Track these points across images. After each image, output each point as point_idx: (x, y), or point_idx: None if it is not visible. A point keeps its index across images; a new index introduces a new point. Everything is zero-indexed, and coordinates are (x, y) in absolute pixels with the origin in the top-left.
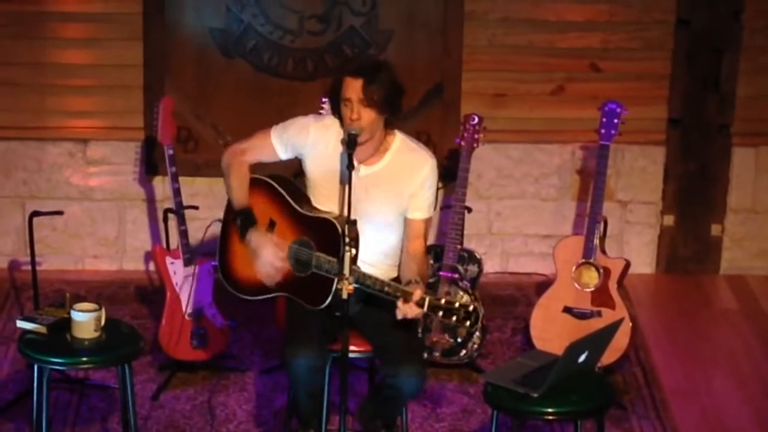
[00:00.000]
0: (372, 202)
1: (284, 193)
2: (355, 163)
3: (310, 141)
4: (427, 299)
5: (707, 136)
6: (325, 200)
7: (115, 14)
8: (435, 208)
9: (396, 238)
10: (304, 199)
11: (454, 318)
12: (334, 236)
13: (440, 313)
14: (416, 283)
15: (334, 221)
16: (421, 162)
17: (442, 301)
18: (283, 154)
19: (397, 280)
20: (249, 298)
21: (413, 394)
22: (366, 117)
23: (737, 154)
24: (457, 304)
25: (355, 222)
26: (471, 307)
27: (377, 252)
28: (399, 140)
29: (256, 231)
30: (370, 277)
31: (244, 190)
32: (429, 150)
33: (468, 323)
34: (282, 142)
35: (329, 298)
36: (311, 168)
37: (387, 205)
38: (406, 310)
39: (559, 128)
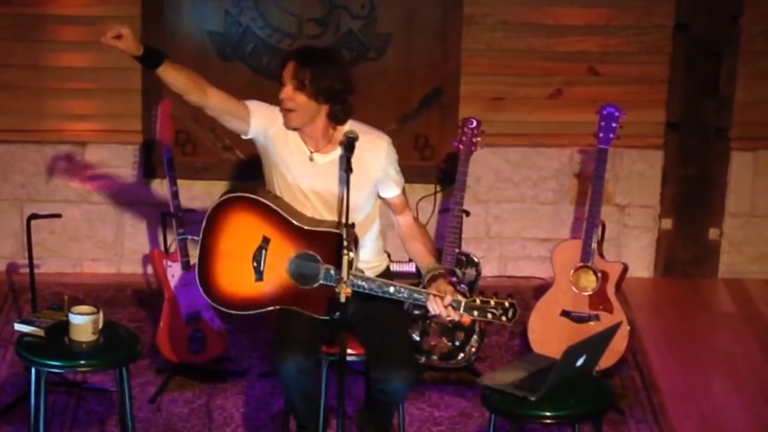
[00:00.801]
0: (334, 193)
1: (276, 208)
2: (309, 151)
3: (278, 122)
4: (463, 302)
5: (706, 140)
6: (295, 201)
7: (114, 17)
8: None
9: (370, 222)
10: (295, 211)
11: (490, 315)
12: (340, 248)
13: (475, 313)
14: (439, 275)
15: (338, 233)
16: (378, 142)
17: (477, 301)
18: (253, 122)
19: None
20: (242, 313)
21: (401, 400)
22: (297, 100)
23: (735, 158)
24: (492, 302)
25: (353, 225)
26: (507, 303)
27: (365, 245)
28: (349, 126)
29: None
30: (391, 284)
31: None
32: (380, 131)
33: (505, 318)
34: (256, 111)
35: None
36: (278, 154)
37: (354, 190)
38: (440, 310)
39: (557, 132)
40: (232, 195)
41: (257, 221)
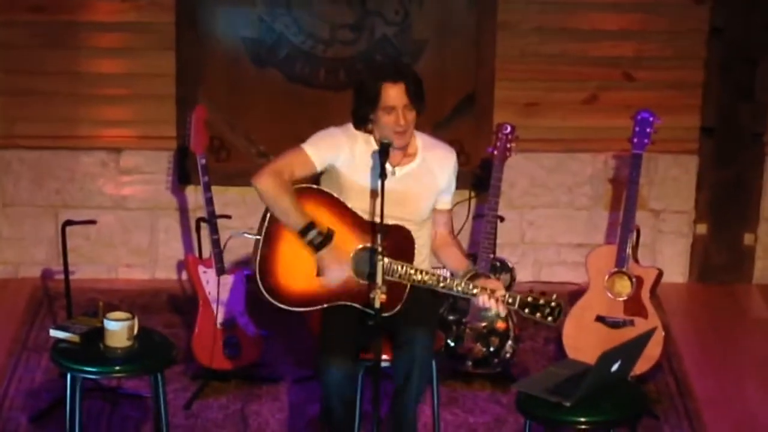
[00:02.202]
0: (412, 202)
1: (342, 200)
2: (390, 167)
3: (344, 149)
4: (518, 297)
5: (740, 144)
6: (362, 206)
7: (148, 24)
8: None
9: (428, 232)
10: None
11: (539, 315)
12: (407, 243)
13: (526, 310)
14: (480, 273)
15: (405, 227)
16: (449, 155)
17: (529, 298)
18: (320, 166)
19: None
20: (295, 309)
21: (422, 349)
22: (410, 119)
23: None
24: (542, 301)
25: (386, 230)
26: (554, 303)
27: (420, 246)
28: (420, 138)
29: (331, 249)
30: (444, 278)
31: (301, 206)
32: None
33: (551, 318)
34: (318, 154)
35: (401, 303)
36: (344, 176)
37: (425, 201)
38: (491, 303)
39: (592, 137)
40: (296, 186)
41: (321, 213)
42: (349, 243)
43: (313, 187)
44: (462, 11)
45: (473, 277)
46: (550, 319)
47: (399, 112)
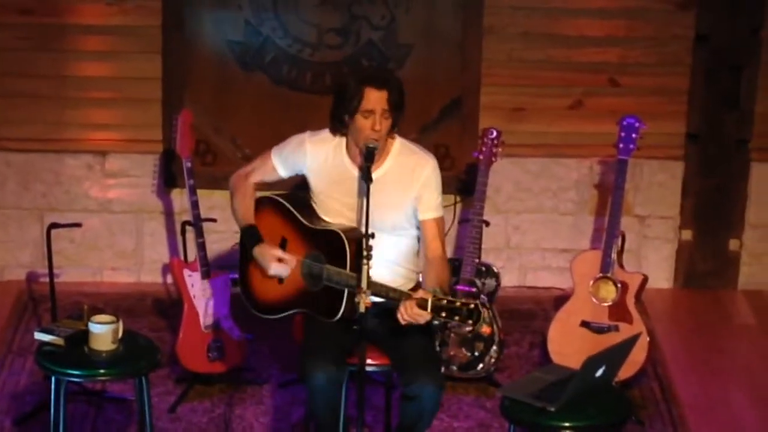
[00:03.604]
0: (378, 208)
1: (292, 209)
2: (356, 171)
3: (308, 156)
4: (430, 300)
5: (726, 151)
6: (334, 213)
7: (134, 27)
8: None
9: (406, 244)
10: (311, 212)
11: (457, 318)
12: (340, 248)
13: (443, 314)
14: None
15: (339, 232)
16: (423, 163)
17: (444, 301)
18: (284, 173)
19: (415, 289)
20: (267, 317)
21: (431, 406)
22: (385, 127)
23: (756, 170)
24: (458, 303)
25: (372, 235)
26: (472, 305)
27: (386, 259)
28: (399, 144)
29: (259, 246)
30: (375, 283)
31: (248, 208)
32: (429, 152)
33: (470, 322)
34: (281, 161)
35: (341, 310)
36: (314, 182)
37: (393, 208)
38: (408, 313)
39: (577, 143)
40: (258, 197)
41: (276, 222)
42: (299, 251)
43: (267, 196)
44: (448, 16)
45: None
46: (469, 322)
47: (377, 117)
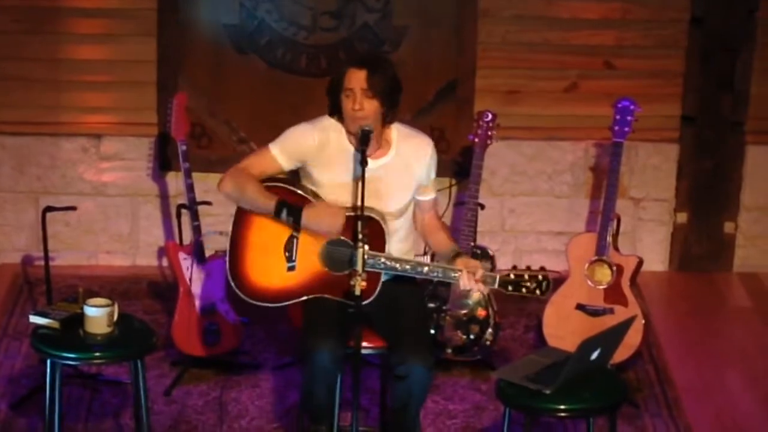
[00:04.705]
0: (389, 194)
1: (306, 195)
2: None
3: (316, 146)
4: (498, 276)
5: (721, 133)
6: (336, 200)
7: (129, 10)
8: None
9: (408, 223)
10: (320, 198)
11: (524, 290)
12: (377, 231)
13: (510, 287)
14: (463, 253)
15: (376, 217)
16: (424, 146)
17: (511, 275)
18: (288, 166)
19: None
20: (275, 305)
21: (421, 383)
22: (369, 108)
23: (751, 152)
24: (526, 276)
25: (369, 218)
26: (540, 276)
27: (396, 240)
28: (396, 130)
29: (306, 209)
30: (424, 264)
31: (262, 189)
32: (424, 133)
33: (539, 292)
34: (285, 154)
35: (376, 291)
36: (320, 171)
37: (402, 192)
38: (472, 284)
39: (572, 125)
40: (268, 184)
41: None
42: (318, 237)
43: (275, 183)
44: None
45: (453, 258)
46: (538, 292)
47: (356, 96)
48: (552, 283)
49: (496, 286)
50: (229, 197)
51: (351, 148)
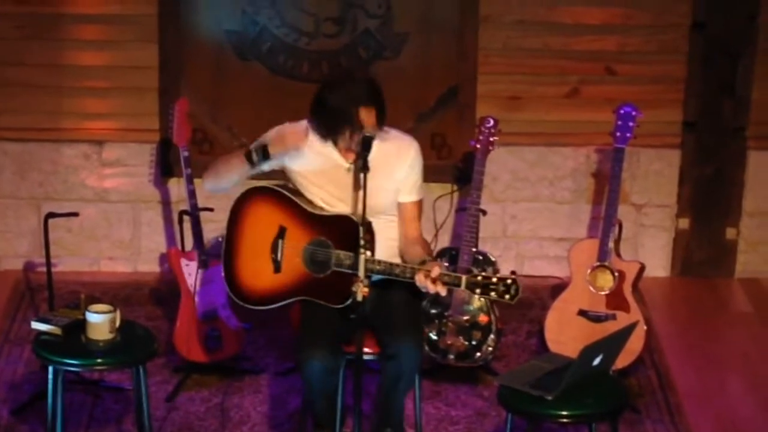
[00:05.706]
0: (370, 194)
1: (290, 196)
2: (346, 163)
3: (304, 148)
4: (464, 278)
5: (723, 139)
6: (321, 203)
7: (131, 16)
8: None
9: (394, 227)
10: (307, 200)
11: (493, 294)
12: (352, 232)
13: (477, 291)
14: (432, 260)
15: (353, 216)
16: (406, 146)
17: (479, 278)
18: (266, 165)
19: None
20: (261, 308)
21: (410, 362)
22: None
23: (752, 158)
24: (494, 279)
25: (370, 223)
26: (509, 280)
27: (384, 237)
28: (382, 132)
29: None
30: (380, 262)
31: (232, 152)
32: (409, 135)
33: (508, 297)
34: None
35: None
36: (301, 173)
37: (382, 192)
38: (427, 284)
39: (574, 131)
40: (249, 187)
41: (274, 211)
42: (300, 238)
43: (260, 186)
44: (444, 4)
45: (420, 263)
46: (507, 297)
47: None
48: (521, 287)
49: (462, 287)
50: (212, 187)
51: (335, 153)
